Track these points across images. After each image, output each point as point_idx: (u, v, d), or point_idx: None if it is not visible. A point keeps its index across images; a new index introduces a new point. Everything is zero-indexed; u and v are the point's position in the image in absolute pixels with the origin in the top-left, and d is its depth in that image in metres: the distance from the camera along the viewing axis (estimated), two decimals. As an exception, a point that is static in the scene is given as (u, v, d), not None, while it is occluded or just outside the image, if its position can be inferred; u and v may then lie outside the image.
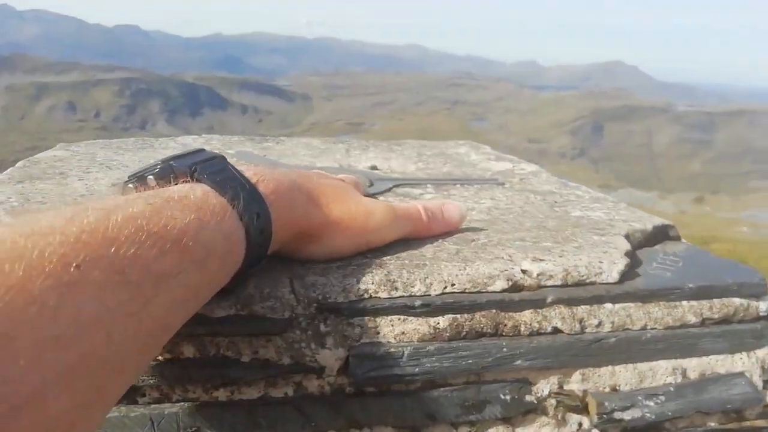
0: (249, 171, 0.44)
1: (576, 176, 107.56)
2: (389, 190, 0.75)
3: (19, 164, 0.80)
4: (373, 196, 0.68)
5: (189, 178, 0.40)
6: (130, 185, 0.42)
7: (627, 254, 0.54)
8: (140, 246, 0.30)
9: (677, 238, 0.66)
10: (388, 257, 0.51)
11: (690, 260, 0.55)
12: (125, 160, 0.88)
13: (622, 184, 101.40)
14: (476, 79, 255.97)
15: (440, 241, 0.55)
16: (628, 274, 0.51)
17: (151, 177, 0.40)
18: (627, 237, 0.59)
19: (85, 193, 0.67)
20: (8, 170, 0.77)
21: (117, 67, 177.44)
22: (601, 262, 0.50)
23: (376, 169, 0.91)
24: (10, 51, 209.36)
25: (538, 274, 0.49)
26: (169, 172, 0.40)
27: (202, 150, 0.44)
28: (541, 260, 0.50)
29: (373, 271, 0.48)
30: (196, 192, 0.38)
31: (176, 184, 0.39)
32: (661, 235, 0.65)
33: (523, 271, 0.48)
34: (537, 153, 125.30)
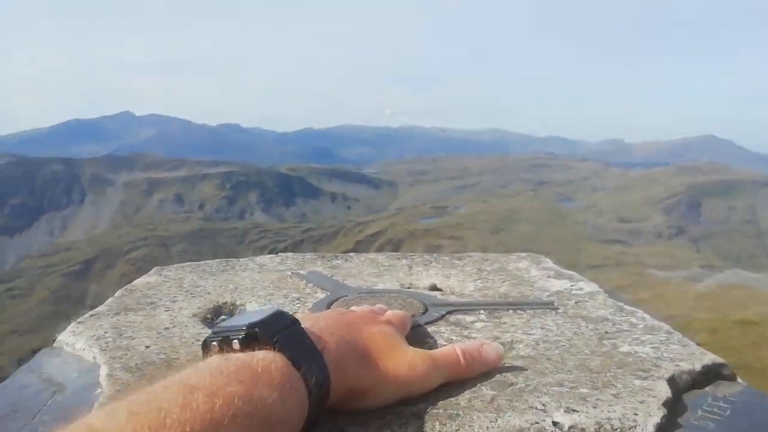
0: (314, 330, 0.52)
1: (675, 256, 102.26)
2: (442, 317, 0.75)
3: (117, 293, 0.81)
4: (425, 325, 0.70)
5: (270, 347, 0.47)
6: (214, 342, 0.48)
7: (666, 404, 0.50)
8: (238, 428, 0.37)
9: (732, 378, 0.60)
10: (425, 404, 0.51)
11: (742, 407, 0.49)
12: (208, 286, 0.89)
13: (726, 264, 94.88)
14: (560, 159, 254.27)
15: (479, 385, 0.56)
16: (665, 427, 0.47)
17: (236, 342, 0.47)
18: (671, 380, 0.55)
19: (168, 326, 0.71)
20: (108, 300, 0.81)
21: (219, 162, 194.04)
22: (636, 414, 0.48)
23: (436, 288, 0.92)
24: (129, 151, 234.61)
25: (569, 427, 0.48)
26: (253, 340, 0.47)
27: (282, 314, 0.51)
28: (574, 411, 0.48)
29: (409, 422, 0.48)
30: (278, 364, 0.45)
31: (258, 349, 0.46)
32: (712, 374, 0.59)
33: (554, 423, 0.47)
34: (629, 233, 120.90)
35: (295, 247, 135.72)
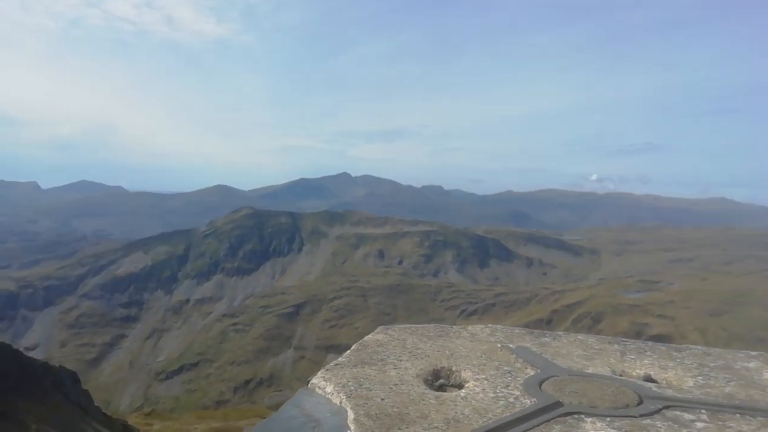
0: None
1: None
2: (658, 411, 0.77)
3: (354, 347, 1.51)
4: (640, 417, 0.72)
5: None
6: None
7: None
8: None
9: None
10: None
11: None
12: (427, 349, 1.11)
13: None
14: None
15: None
16: None
17: None
18: None
19: (398, 383, 0.93)
20: (347, 353, 1.45)
21: (420, 221, 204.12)
22: None
23: (651, 380, 0.96)
24: (344, 208, 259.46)
25: None
26: None
27: None
28: None
29: None
30: None
31: None
32: None
33: None
34: None
35: (486, 310, 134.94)
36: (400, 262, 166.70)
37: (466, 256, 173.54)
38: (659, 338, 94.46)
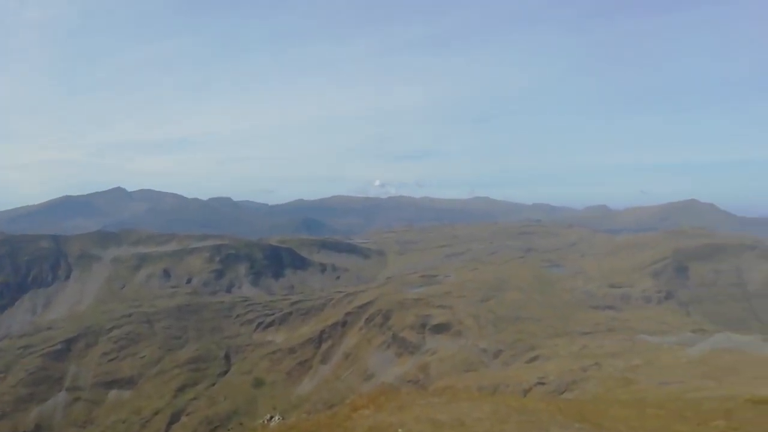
0: None
1: (665, 321, 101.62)
2: None
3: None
4: None
5: None
6: None
7: None
8: None
9: None
10: None
11: None
12: None
13: (717, 328, 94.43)
14: (546, 226, 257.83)
15: None
16: None
17: None
18: None
19: None
20: None
21: (209, 235, 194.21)
22: None
23: None
24: (119, 227, 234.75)
25: None
26: None
27: None
28: None
29: None
30: None
31: None
32: None
33: None
34: (620, 298, 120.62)
35: (283, 320, 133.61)
36: (189, 281, 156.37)
37: (260, 267, 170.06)
38: (441, 327, 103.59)
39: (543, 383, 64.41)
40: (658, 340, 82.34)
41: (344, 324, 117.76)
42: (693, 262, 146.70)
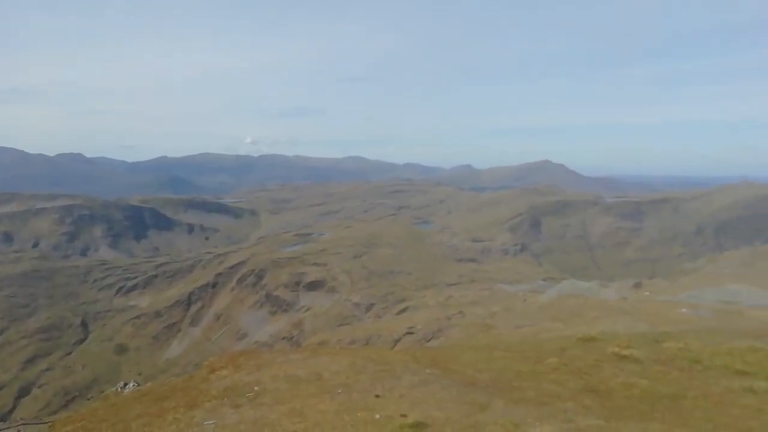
0: None
1: (520, 271, 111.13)
2: None
3: None
4: None
5: None
6: None
7: None
8: None
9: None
10: None
11: None
12: None
13: (564, 276, 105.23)
14: (417, 184, 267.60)
15: None
16: None
17: None
18: None
19: None
20: None
21: (58, 195, 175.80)
22: None
23: None
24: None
25: None
26: None
27: None
28: None
29: None
30: None
31: None
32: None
33: None
34: (481, 251, 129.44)
35: (147, 283, 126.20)
36: (36, 245, 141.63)
37: (120, 229, 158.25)
38: (315, 284, 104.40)
39: (412, 333, 67.86)
40: (514, 288, 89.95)
41: (215, 285, 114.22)
42: (545, 217, 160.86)
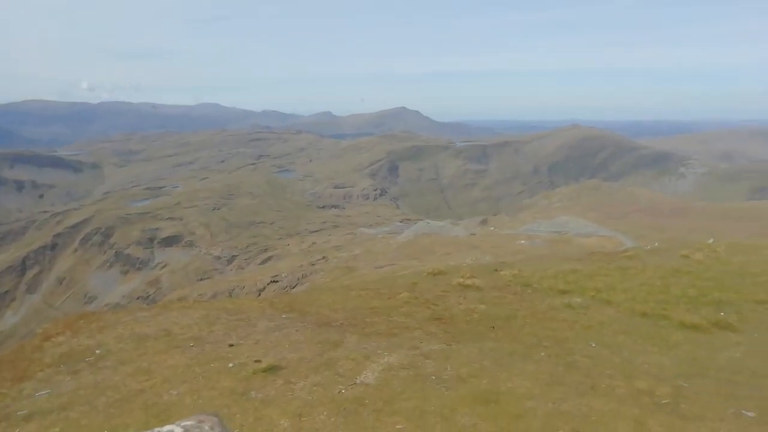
0: None
1: (380, 215, 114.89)
2: None
3: None
4: None
5: None
6: None
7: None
8: None
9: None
10: None
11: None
12: None
13: (420, 217, 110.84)
14: (276, 132, 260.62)
15: None
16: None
17: None
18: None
19: None
20: None
21: None
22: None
23: None
24: None
25: None
26: None
27: None
28: None
29: None
30: None
31: None
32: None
33: None
34: (343, 197, 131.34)
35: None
36: None
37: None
38: (171, 240, 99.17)
39: (276, 281, 67.78)
40: (374, 231, 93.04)
41: (54, 247, 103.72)
42: (402, 162, 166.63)
